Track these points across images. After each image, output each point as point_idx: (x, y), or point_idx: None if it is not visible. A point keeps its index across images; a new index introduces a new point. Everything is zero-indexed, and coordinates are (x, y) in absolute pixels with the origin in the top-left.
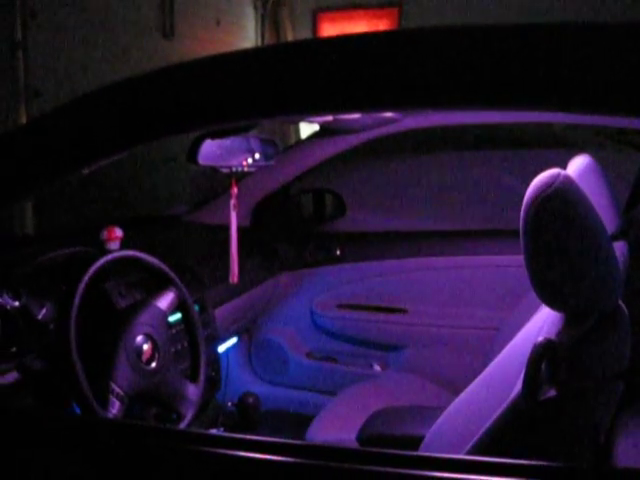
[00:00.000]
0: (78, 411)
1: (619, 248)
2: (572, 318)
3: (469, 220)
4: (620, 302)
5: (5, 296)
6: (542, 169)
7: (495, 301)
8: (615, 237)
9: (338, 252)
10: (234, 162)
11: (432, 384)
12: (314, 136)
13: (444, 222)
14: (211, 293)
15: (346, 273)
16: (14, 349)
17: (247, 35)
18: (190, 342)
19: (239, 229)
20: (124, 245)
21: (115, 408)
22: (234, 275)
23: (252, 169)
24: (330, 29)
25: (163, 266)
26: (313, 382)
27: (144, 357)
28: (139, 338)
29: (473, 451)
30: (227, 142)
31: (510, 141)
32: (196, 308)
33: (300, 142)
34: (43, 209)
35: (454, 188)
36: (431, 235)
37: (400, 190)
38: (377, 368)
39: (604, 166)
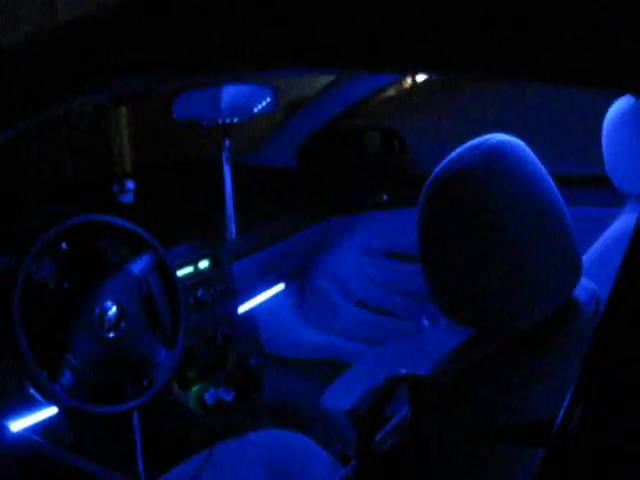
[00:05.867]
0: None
1: None
2: (480, 337)
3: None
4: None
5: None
6: None
7: None
8: None
9: (385, 197)
10: (219, 114)
11: None
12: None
13: None
14: (245, 239)
15: (397, 220)
16: None
17: None
18: (170, 307)
19: (284, 170)
20: (139, 195)
21: (66, 379)
22: (231, 232)
23: (244, 120)
24: None
25: (136, 228)
26: (362, 331)
27: (107, 324)
28: (105, 304)
29: None
30: (209, 92)
31: None
32: (206, 263)
33: (339, 78)
34: (141, 146)
35: (526, 125)
36: None
37: (462, 127)
38: (426, 322)
39: None
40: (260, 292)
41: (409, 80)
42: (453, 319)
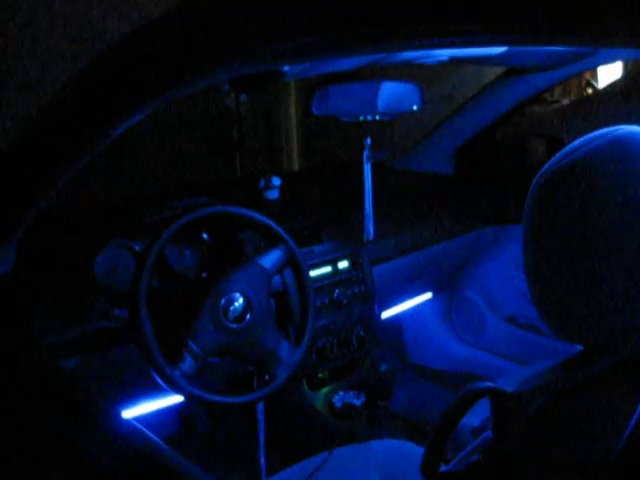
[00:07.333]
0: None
1: None
2: (585, 356)
3: None
4: None
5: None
6: None
7: None
8: None
9: None
10: (359, 110)
11: None
12: (502, 77)
13: None
14: (392, 244)
15: None
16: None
17: None
18: (300, 305)
19: (439, 176)
20: (284, 193)
21: (186, 365)
22: (368, 233)
23: (387, 118)
24: None
25: (269, 223)
26: (510, 349)
27: (231, 315)
28: (231, 296)
29: None
30: (354, 88)
31: None
32: (346, 263)
33: (492, 83)
34: (308, 150)
35: None
36: None
37: None
38: (579, 346)
39: None
40: (406, 299)
41: (589, 90)
42: (558, 333)
